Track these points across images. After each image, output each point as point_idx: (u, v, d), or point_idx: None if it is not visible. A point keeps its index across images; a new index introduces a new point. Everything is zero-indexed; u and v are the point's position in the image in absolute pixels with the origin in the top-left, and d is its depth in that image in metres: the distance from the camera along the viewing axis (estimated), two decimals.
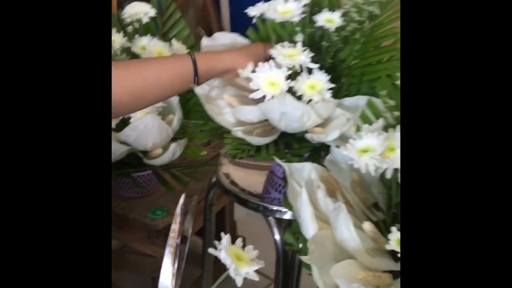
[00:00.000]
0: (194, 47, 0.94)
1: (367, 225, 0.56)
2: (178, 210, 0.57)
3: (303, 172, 0.65)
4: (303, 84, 0.67)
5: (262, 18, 0.79)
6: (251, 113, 0.71)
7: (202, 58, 0.71)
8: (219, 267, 1.32)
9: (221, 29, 2.04)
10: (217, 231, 1.08)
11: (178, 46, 0.91)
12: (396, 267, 0.56)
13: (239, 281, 0.49)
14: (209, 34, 0.87)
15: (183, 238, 0.58)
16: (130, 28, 0.92)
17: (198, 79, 0.70)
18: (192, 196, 1.07)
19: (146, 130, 0.86)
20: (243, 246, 1.19)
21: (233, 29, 2.00)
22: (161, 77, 0.68)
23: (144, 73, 0.67)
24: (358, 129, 0.63)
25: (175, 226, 0.57)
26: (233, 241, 0.63)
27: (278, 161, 0.66)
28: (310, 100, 0.67)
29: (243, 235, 1.48)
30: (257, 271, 0.55)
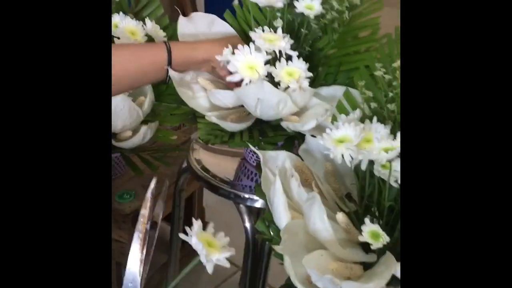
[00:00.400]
0: (168, 27, 0.92)
1: (340, 216, 0.56)
2: (149, 194, 0.55)
3: (277, 161, 0.64)
4: (282, 71, 0.66)
5: (240, 1, 0.78)
6: (226, 98, 0.70)
7: (177, 48, 0.69)
8: (186, 253, 1.31)
9: (195, 9, 2.00)
10: (185, 217, 1.06)
11: (152, 25, 0.88)
12: (367, 258, 0.56)
13: (209, 268, 0.48)
14: (183, 15, 0.85)
15: (153, 224, 0.56)
16: None
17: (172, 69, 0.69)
18: (161, 181, 1.05)
19: (115, 112, 0.83)
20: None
21: (207, 11, 1.96)
22: (131, 64, 0.66)
23: (113, 59, 0.64)
24: (335, 119, 0.63)
25: (144, 211, 0.55)
26: (202, 228, 0.63)
27: (252, 148, 0.65)
28: (287, 88, 0.66)
29: (211, 221, 1.47)
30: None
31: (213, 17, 0.83)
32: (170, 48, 0.68)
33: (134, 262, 0.53)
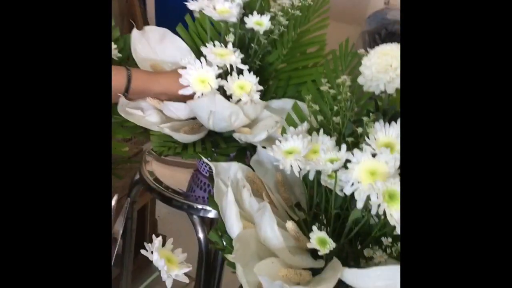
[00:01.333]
0: (119, 39, 0.92)
1: (290, 224, 0.58)
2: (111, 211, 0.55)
3: (229, 172, 0.66)
4: (233, 84, 0.68)
5: (192, 15, 0.79)
6: (179, 110, 0.71)
7: (138, 77, 0.69)
8: (138, 266, 1.29)
9: (146, 22, 1.99)
10: (137, 229, 1.05)
11: None
12: (316, 264, 0.58)
13: (169, 284, 0.49)
14: (135, 27, 0.85)
15: (112, 241, 0.56)
16: None
17: (127, 96, 0.68)
18: (113, 193, 1.04)
19: None
20: (164, 244, 1.17)
21: (158, 23, 1.96)
22: None
23: None
24: (284, 131, 0.65)
25: None
26: (153, 240, 0.63)
27: (204, 159, 0.66)
28: (238, 101, 0.68)
29: (163, 233, 1.46)
30: None
31: (165, 30, 0.84)
32: (130, 76, 0.67)
33: None
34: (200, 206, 0.83)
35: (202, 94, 0.66)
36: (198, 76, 0.67)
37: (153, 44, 0.83)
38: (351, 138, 0.57)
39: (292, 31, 0.79)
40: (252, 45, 0.76)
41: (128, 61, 0.86)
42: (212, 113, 0.66)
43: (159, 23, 1.91)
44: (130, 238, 0.99)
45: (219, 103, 0.65)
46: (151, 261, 1.41)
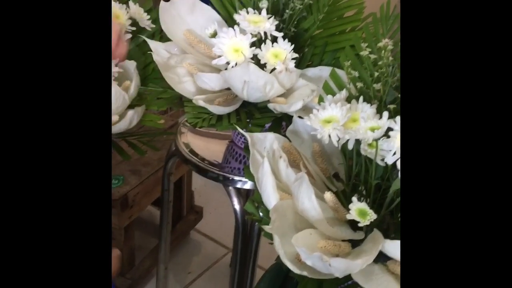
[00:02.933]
0: (152, 10, 0.90)
1: (328, 195, 0.57)
2: None
3: (265, 142, 0.65)
4: (267, 53, 0.65)
5: None
6: (212, 81, 0.70)
7: None
8: (176, 236, 1.32)
9: None
10: (174, 200, 1.07)
11: (135, 8, 0.87)
12: (355, 236, 0.57)
13: None
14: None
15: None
16: None
17: None
18: (150, 165, 1.05)
19: None
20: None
21: None
22: None
23: None
24: (321, 99, 0.63)
25: None
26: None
27: (240, 130, 0.65)
28: (273, 69, 0.66)
29: (200, 205, 1.48)
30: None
31: (194, 0, 0.82)
32: None
33: None
34: (235, 178, 0.82)
35: (235, 64, 0.65)
36: (232, 45, 0.65)
37: (183, 15, 0.81)
38: (393, 105, 0.55)
39: None
40: (287, 11, 0.73)
41: (162, 32, 0.85)
42: (246, 83, 0.64)
43: None
44: (168, 209, 1.01)
45: (253, 72, 0.63)
46: (189, 232, 1.45)
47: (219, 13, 0.80)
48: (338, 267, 0.50)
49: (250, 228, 0.84)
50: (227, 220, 1.46)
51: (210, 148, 0.89)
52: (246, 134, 0.64)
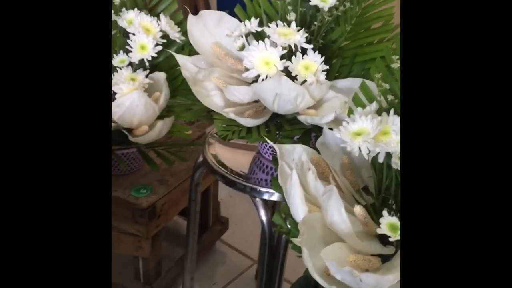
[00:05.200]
0: (182, 22, 0.92)
1: (358, 209, 0.56)
2: None
3: (293, 154, 0.64)
4: (298, 65, 0.66)
5: None
6: (242, 94, 0.70)
7: None
8: (202, 247, 1.32)
9: (207, 5, 2.00)
10: (200, 211, 1.07)
11: (166, 21, 0.88)
12: (385, 251, 0.56)
13: None
14: (196, 11, 0.85)
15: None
16: (117, 1, 0.89)
17: None
18: (177, 175, 1.06)
19: (132, 107, 0.84)
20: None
21: (219, 7, 1.96)
22: None
23: None
24: (351, 112, 0.63)
25: None
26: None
27: (270, 143, 0.65)
28: (304, 81, 0.66)
29: (226, 216, 1.48)
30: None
31: (221, 13, 0.83)
32: None
33: None
34: (262, 189, 0.82)
35: (266, 77, 0.65)
36: (262, 58, 0.65)
37: (210, 28, 0.82)
38: None
39: (356, 6, 0.76)
40: (315, 22, 0.74)
41: (191, 44, 0.86)
42: (278, 95, 0.64)
43: (220, 7, 1.92)
44: (194, 220, 1.01)
45: (285, 85, 0.63)
46: (214, 243, 1.44)
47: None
48: (368, 282, 0.49)
49: (277, 240, 0.83)
50: (252, 231, 1.46)
51: (237, 159, 0.89)
52: (275, 146, 0.64)
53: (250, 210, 1.57)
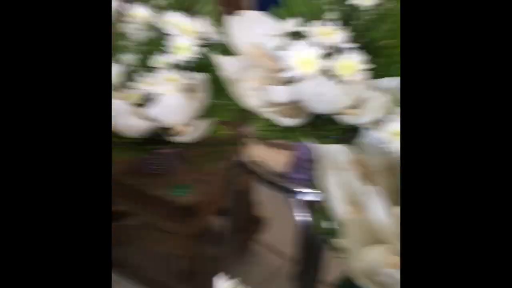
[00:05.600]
0: (221, 23, 0.93)
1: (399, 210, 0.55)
2: None
3: (334, 154, 0.64)
4: (339, 64, 0.65)
5: None
6: (281, 93, 0.70)
7: None
8: (238, 246, 1.33)
9: (246, 6, 2.01)
10: (237, 211, 1.08)
11: (205, 22, 0.89)
12: None
13: None
14: (234, 11, 0.85)
15: None
16: (157, 2, 0.91)
17: None
18: (215, 175, 1.07)
19: (172, 107, 0.85)
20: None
21: (258, 7, 1.97)
22: None
23: None
24: (391, 111, 0.62)
25: None
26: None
27: (309, 142, 0.65)
28: (344, 81, 0.66)
29: (261, 215, 1.49)
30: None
31: (260, 13, 0.83)
32: None
33: None
34: (300, 189, 0.82)
35: (306, 76, 0.65)
36: (302, 58, 0.65)
37: (249, 28, 0.82)
38: None
39: (398, 3, 0.74)
40: (356, 21, 0.73)
41: (229, 45, 0.86)
42: (317, 95, 0.64)
43: (259, 6, 1.92)
44: (232, 219, 1.02)
45: (325, 84, 0.63)
46: (249, 243, 1.45)
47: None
48: None
49: (314, 241, 0.83)
50: (287, 231, 1.46)
51: (275, 159, 0.89)
52: (315, 146, 0.64)
53: (285, 210, 1.57)
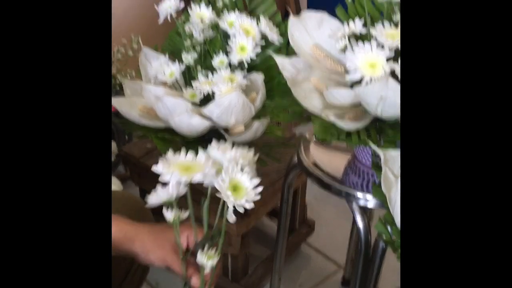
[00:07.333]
0: (281, 24, 0.92)
1: None
2: None
3: (398, 160, 0.62)
4: None
5: None
6: (343, 96, 0.69)
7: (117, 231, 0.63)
8: (288, 248, 1.32)
9: (298, 7, 2.00)
10: (290, 212, 1.07)
11: (265, 23, 0.89)
12: None
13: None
14: (287, 14, 0.85)
15: None
16: (220, 4, 0.91)
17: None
18: (268, 176, 1.06)
19: (230, 107, 0.85)
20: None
21: (310, 7, 1.95)
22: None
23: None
24: None
25: None
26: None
27: (373, 147, 0.63)
28: None
29: (312, 218, 1.47)
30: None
31: (322, 15, 0.82)
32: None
33: None
34: (359, 194, 0.80)
35: (370, 79, 0.63)
36: (367, 60, 0.63)
37: (310, 30, 0.81)
38: None
39: None
40: None
41: (288, 46, 0.86)
42: (383, 99, 0.62)
43: (311, 7, 1.91)
44: (285, 220, 1.01)
45: (392, 88, 0.61)
46: (300, 245, 1.43)
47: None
48: None
49: (373, 248, 0.80)
50: (338, 235, 1.43)
51: (333, 162, 0.88)
52: (379, 151, 0.62)
53: (336, 214, 1.55)
